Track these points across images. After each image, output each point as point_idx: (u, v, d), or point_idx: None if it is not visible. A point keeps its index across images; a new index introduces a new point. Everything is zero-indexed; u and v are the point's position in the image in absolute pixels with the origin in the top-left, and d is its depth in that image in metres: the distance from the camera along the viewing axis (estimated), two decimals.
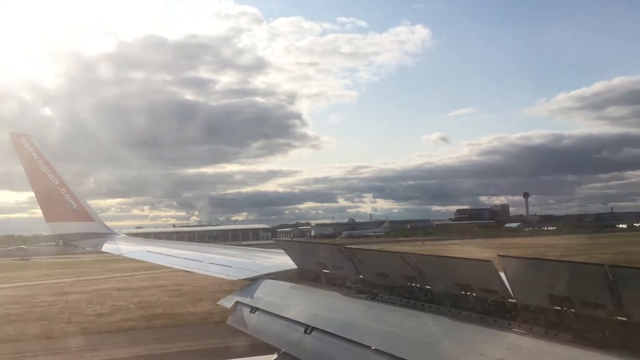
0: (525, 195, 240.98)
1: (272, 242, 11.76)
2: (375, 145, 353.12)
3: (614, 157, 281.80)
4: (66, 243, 19.43)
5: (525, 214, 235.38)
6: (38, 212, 12.84)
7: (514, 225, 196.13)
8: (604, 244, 76.12)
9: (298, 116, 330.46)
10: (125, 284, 41.91)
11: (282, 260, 7.13)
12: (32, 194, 12.91)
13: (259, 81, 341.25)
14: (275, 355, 5.73)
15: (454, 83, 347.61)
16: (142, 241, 13.88)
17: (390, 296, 4.99)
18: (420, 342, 4.17)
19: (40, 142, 12.85)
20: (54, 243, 71.93)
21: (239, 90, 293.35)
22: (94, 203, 13.62)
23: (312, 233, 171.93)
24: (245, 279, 7.19)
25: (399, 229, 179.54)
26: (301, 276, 6.53)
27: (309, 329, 5.08)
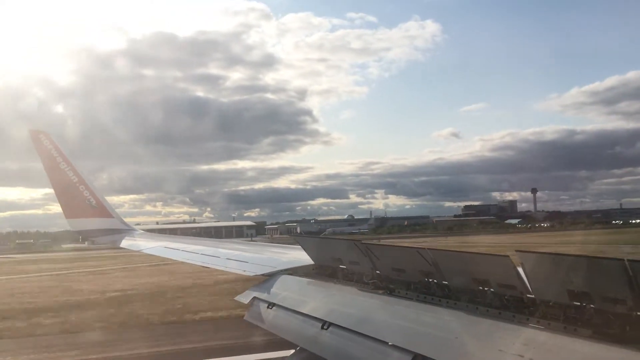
0: (533, 191, 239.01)
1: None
2: (387, 141, 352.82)
3: (628, 152, 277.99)
4: (85, 239, 19.70)
5: (533, 210, 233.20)
6: (52, 209, 13.08)
7: (514, 221, 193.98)
8: (599, 241, 68.43)
9: (309, 112, 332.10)
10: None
11: (298, 256, 7.16)
12: (47, 190, 13.22)
13: (269, 77, 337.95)
14: (292, 351, 5.77)
15: (465, 78, 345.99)
16: (159, 237, 14.04)
17: (407, 291, 5.00)
18: (438, 338, 4.18)
19: (56, 139, 13.00)
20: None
21: (250, 86, 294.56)
22: (107, 199, 13.73)
23: (298, 230, 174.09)
24: (262, 275, 7.26)
25: (394, 225, 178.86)
26: (318, 272, 6.56)
27: (325, 324, 5.09)
